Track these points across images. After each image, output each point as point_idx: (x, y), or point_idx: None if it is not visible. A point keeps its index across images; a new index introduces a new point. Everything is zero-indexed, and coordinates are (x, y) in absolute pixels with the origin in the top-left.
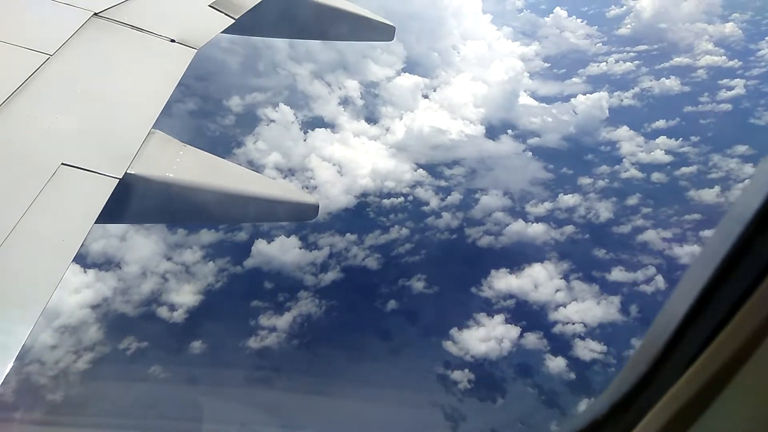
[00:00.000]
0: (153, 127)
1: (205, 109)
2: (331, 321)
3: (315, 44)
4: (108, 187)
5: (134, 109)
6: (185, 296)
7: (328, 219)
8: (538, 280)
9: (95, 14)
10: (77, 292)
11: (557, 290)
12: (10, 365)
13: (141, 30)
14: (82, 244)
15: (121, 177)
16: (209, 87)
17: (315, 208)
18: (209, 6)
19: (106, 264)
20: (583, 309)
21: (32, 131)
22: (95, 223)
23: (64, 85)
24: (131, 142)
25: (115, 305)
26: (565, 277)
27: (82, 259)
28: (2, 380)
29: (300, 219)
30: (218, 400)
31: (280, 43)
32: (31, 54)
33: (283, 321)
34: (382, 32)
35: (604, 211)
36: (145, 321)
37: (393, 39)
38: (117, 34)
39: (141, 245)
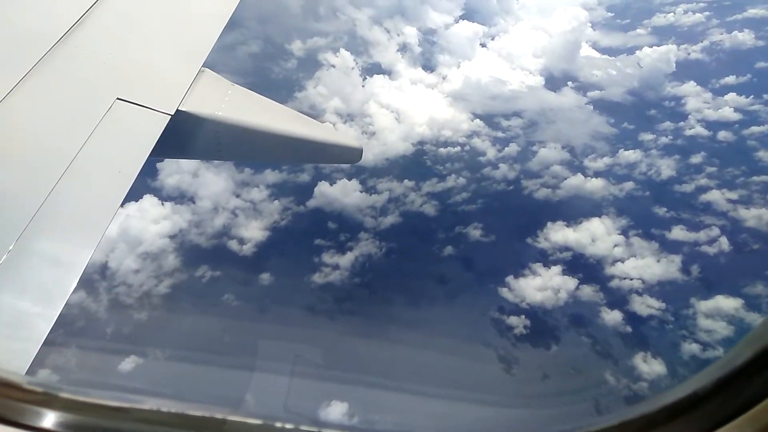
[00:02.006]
0: (203, 66)
1: (268, 52)
2: (390, 263)
3: None
4: (161, 123)
5: (185, 47)
6: (253, 231)
7: (387, 165)
8: (596, 235)
9: None
10: (156, 223)
11: (615, 245)
12: (75, 282)
13: None
14: (137, 175)
15: (173, 114)
16: (272, 30)
17: (359, 152)
18: None
19: (181, 198)
20: (641, 266)
21: (90, 66)
22: (149, 156)
23: (118, 22)
24: (183, 80)
25: (190, 236)
26: (624, 233)
27: (159, 192)
28: (69, 295)
29: (345, 161)
30: (282, 332)
31: None
32: None
33: (346, 260)
34: None
35: (666, 168)
36: (218, 252)
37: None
38: None
39: (212, 182)
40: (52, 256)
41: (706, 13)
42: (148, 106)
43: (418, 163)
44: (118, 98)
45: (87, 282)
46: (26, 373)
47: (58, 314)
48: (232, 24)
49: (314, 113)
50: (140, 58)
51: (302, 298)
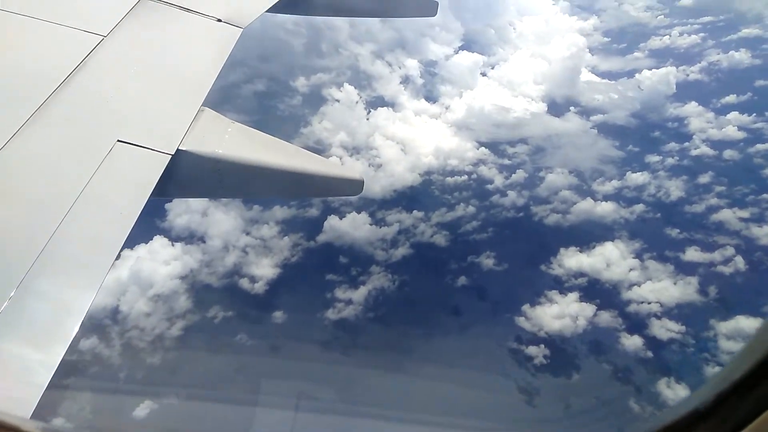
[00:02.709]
0: (204, 105)
1: (272, 90)
2: (404, 295)
3: (375, 24)
4: (161, 163)
5: (184, 87)
6: (264, 269)
7: (395, 196)
8: (610, 259)
9: None
10: (167, 264)
11: (630, 269)
12: (77, 327)
13: (189, 10)
14: (142, 216)
15: (173, 153)
16: (276, 68)
17: (360, 183)
18: None
19: (191, 238)
20: (658, 289)
21: (90, 109)
22: (150, 196)
23: (117, 64)
24: (182, 120)
25: (201, 276)
26: (638, 256)
27: (168, 233)
28: (70, 340)
29: (346, 194)
30: (297, 369)
31: (341, 24)
32: (87, 35)
33: (359, 294)
34: (426, 7)
35: (675, 189)
36: (229, 292)
37: (436, 14)
38: (166, 14)
39: (221, 220)
40: (54, 301)
41: (701, 34)
42: (148, 147)
43: (426, 193)
44: (118, 140)
45: (99, 327)
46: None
47: (60, 359)
48: (236, 63)
49: (320, 148)
50: (140, 99)
51: (316, 334)
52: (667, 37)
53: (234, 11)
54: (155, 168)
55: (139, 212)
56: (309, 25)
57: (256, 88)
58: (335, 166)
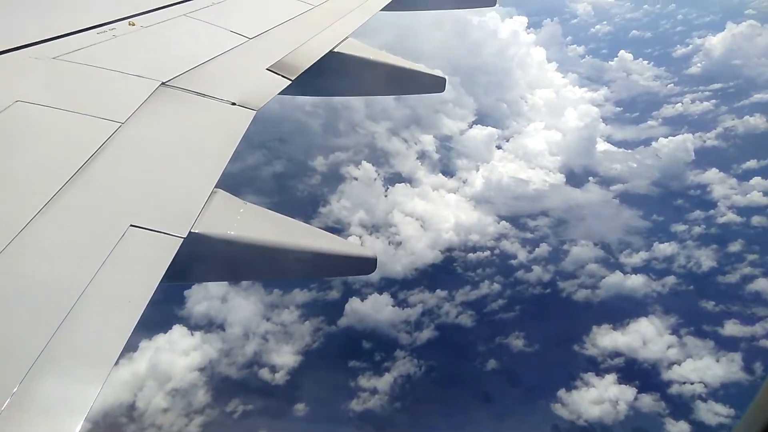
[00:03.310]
0: (216, 187)
1: (291, 170)
2: (431, 382)
3: (389, 103)
4: (173, 246)
5: (198, 170)
6: (285, 357)
7: (417, 275)
8: (646, 336)
9: (163, 83)
10: (186, 355)
11: (669, 347)
12: (81, 423)
13: (204, 95)
14: (155, 303)
15: (185, 236)
16: (294, 149)
17: (373, 261)
18: (267, 69)
19: (210, 325)
20: (700, 367)
21: (105, 195)
22: (162, 282)
23: (133, 151)
24: (195, 202)
25: (221, 367)
26: (675, 332)
27: (187, 321)
28: None
29: (359, 273)
30: None
31: (357, 103)
32: (104, 123)
33: (384, 382)
34: (434, 84)
35: (706, 259)
36: (249, 383)
37: (444, 90)
38: (182, 100)
39: (241, 306)
40: (57, 395)
41: (713, 101)
42: (160, 231)
43: (448, 270)
44: (131, 225)
45: (114, 425)
46: None
47: None
48: (256, 146)
49: (339, 227)
50: (154, 183)
51: (341, 429)
52: (680, 104)
53: (247, 94)
54: (167, 252)
55: (149, 298)
56: (326, 106)
57: (275, 170)
58: (347, 244)
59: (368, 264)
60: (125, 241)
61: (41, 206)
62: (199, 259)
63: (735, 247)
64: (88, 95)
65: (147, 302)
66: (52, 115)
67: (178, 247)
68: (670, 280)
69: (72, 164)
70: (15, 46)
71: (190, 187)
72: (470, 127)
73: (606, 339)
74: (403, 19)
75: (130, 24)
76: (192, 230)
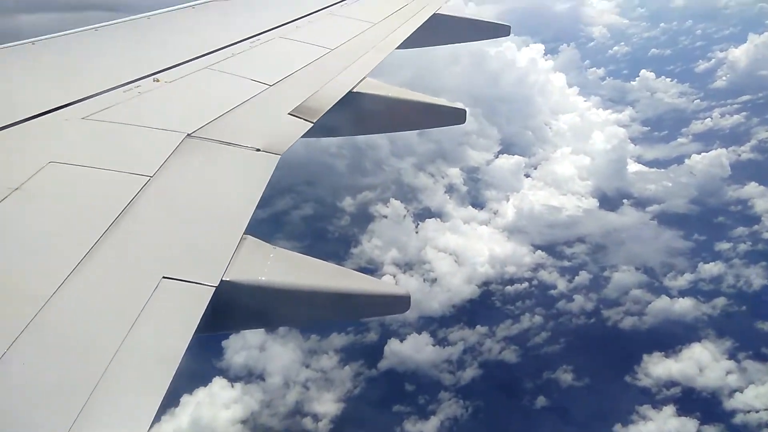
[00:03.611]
0: (245, 233)
1: (320, 213)
2: (480, 423)
3: (413, 138)
4: (206, 296)
5: (226, 218)
6: (327, 405)
7: (455, 312)
8: (702, 363)
9: (188, 135)
10: (227, 408)
11: (727, 373)
12: None
13: (229, 144)
14: (183, 356)
15: (217, 285)
16: (322, 191)
17: (407, 299)
18: (289, 114)
19: (249, 376)
20: (764, 393)
21: (136, 249)
22: (197, 333)
23: (162, 203)
24: (225, 250)
25: (263, 419)
26: (733, 356)
27: (227, 373)
28: None
29: (394, 312)
30: None
31: (381, 141)
32: (134, 177)
33: (430, 426)
34: (455, 116)
35: (756, 277)
36: None
37: (465, 121)
38: (208, 150)
39: (279, 354)
40: None
41: (743, 113)
42: (192, 281)
43: (487, 305)
44: (163, 277)
45: None
46: None
47: None
48: (284, 190)
49: (372, 267)
50: (184, 234)
51: None
52: (709, 119)
53: (271, 140)
54: (200, 302)
55: (183, 351)
56: (351, 146)
57: (304, 213)
58: (380, 283)
59: (402, 302)
60: (158, 294)
61: (75, 264)
62: (232, 308)
63: None
64: (117, 152)
65: (182, 356)
66: (84, 174)
67: (210, 297)
68: (721, 301)
69: (104, 220)
70: (46, 110)
71: (219, 235)
72: (496, 157)
73: (659, 368)
74: (422, 56)
75: (154, 80)
76: (224, 278)
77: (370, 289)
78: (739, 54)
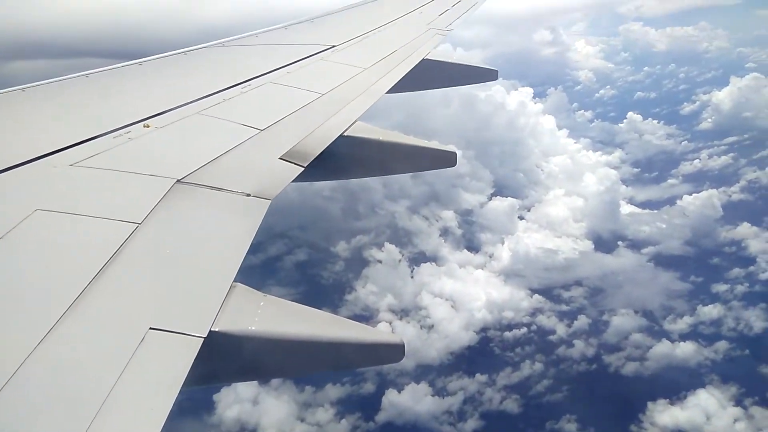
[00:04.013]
0: (236, 280)
1: (314, 258)
2: None
3: (406, 181)
4: (194, 348)
5: (215, 265)
6: None
7: (453, 360)
8: (708, 410)
9: (178, 180)
10: None
11: (735, 420)
12: None
13: (219, 189)
14: (170, 410)
15: (205, 336)
16: (315, 236)
17: (401, 347)
18: (279, 158)
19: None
20: None
21: (123, 299)
22: (187, 386)
23: (150, 251)
24: (214, 299)
25: None
26: (739, 402)
27: (218, 429)
28: None
29: (387, 361)
30: None
31: (374, 184)
32: (122, 225)
33: None
34: (446, 159)
35: (756, 319)
36: None
37: (456, 164)
38: (198, 196)
39: (273, 407)
40: None
41: (731, 154)
42: (179, 332)
43: (486, 352)
44: (150, 328)
45: None
46: None
47: None
48: (276, 235)
49: (367, 314)
50: (172, 283)
51: None
52: (697, 160)
53: (261, 184)
54: (188, 354)
55: (170, 405)
56: (344, 190)
57: (298, 258)
58: (372, 331)
59: (396, 351)
60: (145, 346)
61: (59, 316)
62: (222, 359)
63: None
64: (105, 199)
65: (169, 409)
66: (71, 221)
67: (198, 348)
68: (722, 345)
69: (90, 270)
70: (34, 157)
71: (208, 284)
72: (490, 199)
73: (665, 416)
74: (414, 99)
75: (145, 126)
76: (212, 328)
77: (362, 337)
78: (723, 96)
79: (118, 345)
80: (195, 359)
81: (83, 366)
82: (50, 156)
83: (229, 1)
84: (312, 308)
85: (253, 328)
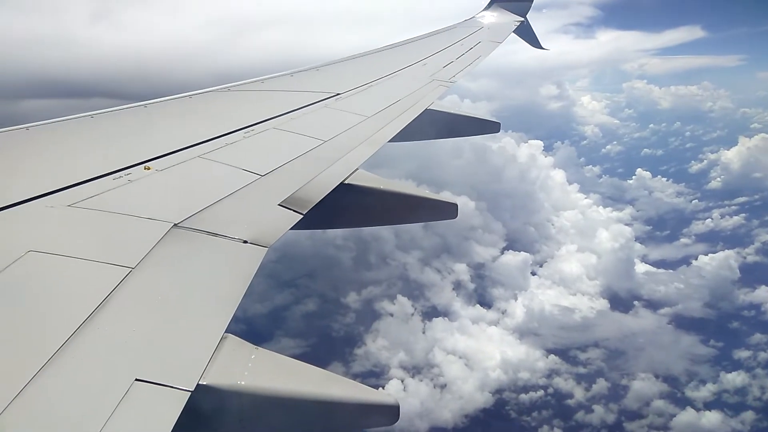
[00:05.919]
0: (232, 332)
1: (324, 309)
2: None
3: (418, 231)
4: (180, 402)
5: (207, 314)
6: None
7: (468, 423)
8: None
9: (175, 225)
10: None
11: None
12: None
13: (216, 235)
14: None
15: (192, 389)
16: (325, 285)
17: (396, 409)
18: (279, 204)
19: None
20: None
21: (110, 347)
22: None
23: (141, 297)
24: (204, 350)
25: None
26: None
27: None
28: None
29: (379, 424)
30: None
31: (386, 234)
32: (115, 269)
33: None
34: (447, 211)
35: None
36: None
37: (456, 216)
38: (194, 241)
39: None
40: None
41: (743, 215)
42: (166, 384)
43: (501, 416)
44: (136, 379)
45: None
46: None
47: None
48: (283, 284)
49: (378, 370)
50: (161, 332)
51: None
52: (709, 220)
53: (259, 231)
54: (174, 408)
55: None
56: (356, 238)
57: (306, 309)
58: (365, 390)
59: (390, 413)
60: (129, 398)
61: (44, 362)
62: (209, 414)
63: None
64: (100, 241)
65: None
66: (64, 264)
67: (184, 402)
68: (749, 416)
69: (78, 315)
70: (32, 196)
71: (198, 334)
72: (502, 252)
73: None
74: (427, 148)
75: (145, 168)
76: (200, 382)
77: (355, 396)
78: (732, 156)
79: (101, 396)
80: (181, 413)
81: (64, 418)
82: (48, 196)
83: (255, 47)
84: (304, 363)
85: (242, 382)
